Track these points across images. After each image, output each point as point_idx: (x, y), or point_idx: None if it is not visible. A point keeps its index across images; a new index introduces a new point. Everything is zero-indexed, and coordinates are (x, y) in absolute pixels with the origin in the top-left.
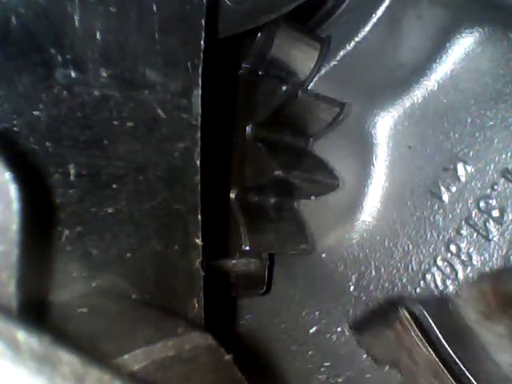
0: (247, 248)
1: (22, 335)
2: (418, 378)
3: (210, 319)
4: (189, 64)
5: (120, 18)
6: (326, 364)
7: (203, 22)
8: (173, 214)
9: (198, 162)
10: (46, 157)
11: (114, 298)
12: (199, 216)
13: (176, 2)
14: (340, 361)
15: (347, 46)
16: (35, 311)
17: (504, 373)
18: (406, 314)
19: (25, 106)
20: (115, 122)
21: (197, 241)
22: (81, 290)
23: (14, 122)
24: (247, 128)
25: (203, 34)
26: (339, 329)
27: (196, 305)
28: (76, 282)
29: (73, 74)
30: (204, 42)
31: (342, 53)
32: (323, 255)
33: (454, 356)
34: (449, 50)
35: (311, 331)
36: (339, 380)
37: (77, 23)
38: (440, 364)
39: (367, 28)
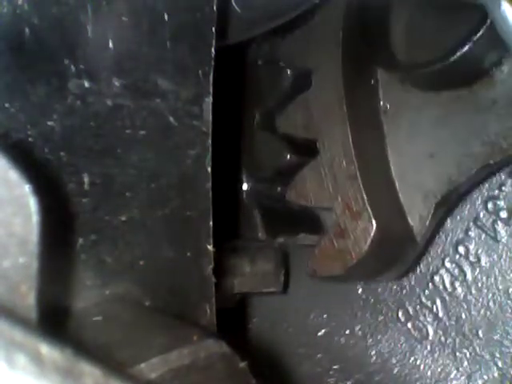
0: None
1: (45, 348)
2: None
3: (218, 323)
4: (200, 72)
5: (132, 27)
6: (334, 367)
7: (214, 29)
8: (185, 221)
9: (209, 169)
10: (60, 167)
11: (128, 305)
12: (211, 222)
13: (187, 11)
14: (349, 364)
15: None
16: (52, 322)
17: None
18: None
19: (39, 117)
20: (128, 131)
21: (208, 247)
22: (95, 298)
23: (29, 132)
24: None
25: (214, 42)
26: (348, 331)
27: (208, 311)
28: (90, 290)
29: (86, 84)
30: (214, 50)
31: None
32: None
33: None
34: None
35: (319, 334)
36: (348, 383)
37: (90, 33)
38: None
39: None
